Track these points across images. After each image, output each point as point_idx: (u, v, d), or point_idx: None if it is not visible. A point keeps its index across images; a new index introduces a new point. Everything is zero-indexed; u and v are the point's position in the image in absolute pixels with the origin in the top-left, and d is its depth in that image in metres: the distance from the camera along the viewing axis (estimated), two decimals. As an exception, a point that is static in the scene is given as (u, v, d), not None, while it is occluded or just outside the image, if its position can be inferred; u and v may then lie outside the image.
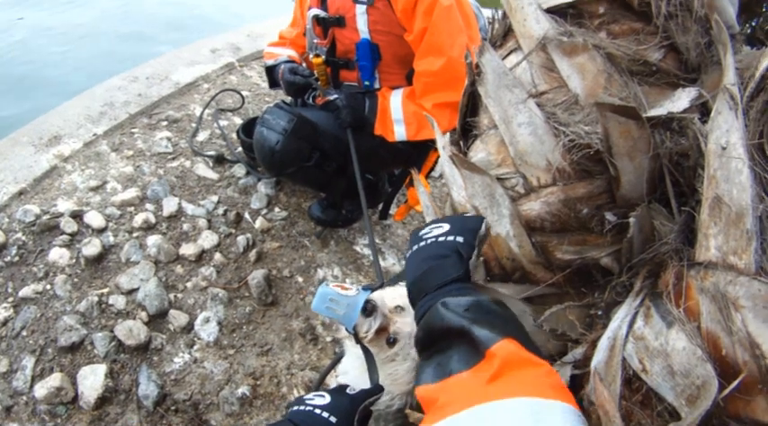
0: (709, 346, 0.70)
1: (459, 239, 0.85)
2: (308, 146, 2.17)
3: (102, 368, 1.86)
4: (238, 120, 3.13)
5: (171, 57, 3.63)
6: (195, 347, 2.04)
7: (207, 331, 2.08)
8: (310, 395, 0.93)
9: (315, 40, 2.14)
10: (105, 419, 1.79)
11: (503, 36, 1.11)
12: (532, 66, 0.99)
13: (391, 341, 1.08)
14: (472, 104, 1.15)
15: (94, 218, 2.29)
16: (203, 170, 2.70)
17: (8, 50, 5.09)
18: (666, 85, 0.94)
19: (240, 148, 2.84)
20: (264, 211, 2.59)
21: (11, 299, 2.01)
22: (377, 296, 1.10)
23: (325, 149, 2.21)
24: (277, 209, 2.62)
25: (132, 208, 2.40)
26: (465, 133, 1.19)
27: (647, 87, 0.93)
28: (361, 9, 1.96)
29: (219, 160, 2.77)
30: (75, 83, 4.04)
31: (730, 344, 0.67)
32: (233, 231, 2.44)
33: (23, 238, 2.18)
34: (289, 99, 2.53)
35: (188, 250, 2.29)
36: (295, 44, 2.42)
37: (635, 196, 0.92)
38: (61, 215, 2.27)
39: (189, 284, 2.20)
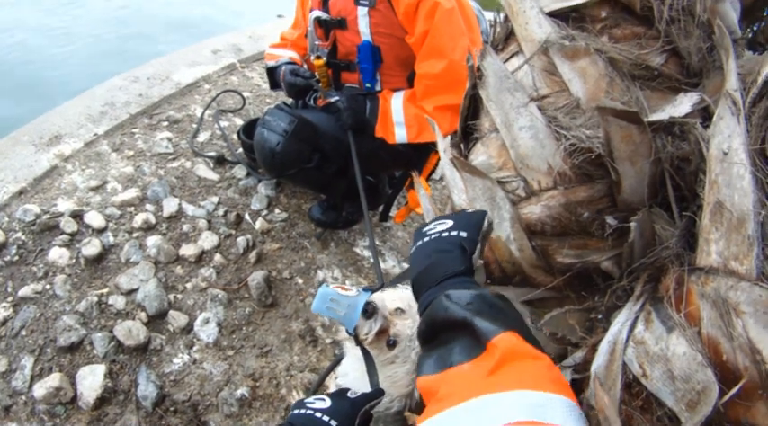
0: (710, 351, 0.70)
1: (463, 234, 0.85)
2: (308, 147, 2.17)
3: (101, 369, 1.86)
4: (239, 121, 3.13)
5: (172, 57, 3.63)
6: (194, 348, 2.03)
7: (206, 332, 2.08)
8: (311, 399, 0.93)
9: (316, 42, 2.14)
10: (104, 419, 1.79)
11: (504, 39, 1.11)
12: (534, 70, 0.99)
13: (391, 344, 1.07)
14: (473, 107, 1.15)
15: (94, 218, 2.29)
16: (204, 171, 2.70)
17: (9, 51, 5.10)
18: (668, 90, 0.94)
19: (241, 149, 2.84)
20: (265, 212, 2.59)
21: (10, 299, 2.00)
22: (377, 297, 1.09)
23: (326, 151, 2.21)
24: (277, 211, 2.62)
25: (132, 209, 2.40)
26: (466, 136, 1.19)
27: (649, 91, 0.93)
28: (362, 11, 1.96)
29: (220, 161, 2.77)
30: (76, 83, 4.04)
31: (731, 350, 0.67)
32: (233, 232, 2.44)
33: (23, 238, 2.17)
34: (290, 100, 2.53)
35: (188, 251, 2.29)
36: (296, 46, 2.42)
37: (636, 200, 0.92)
38: (61, 214, 2.26)
39: (189, 285, 2.20)
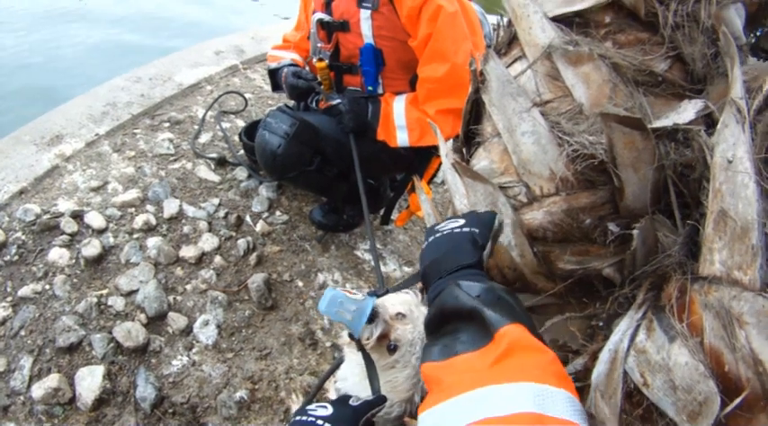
0: (712, 362, 0.69)
1: (475, 230, 0.87)
2: (309, 150, 2.16)
3: (99, 370, 1.85)
4: (241, 123, 3.12)
5: (174, 58, 3.63)
6: (194, 350, 2.03)
7: (206, 334, 2.07)
8: (313, 406, 0.93)
9: (319, 44, 2.14)
10: (102, 420, 1.78)
11: (508, 44, 1.10)
12: (537, 75, 0.99)
13: (392, 348, 1.07)
14: (476, 112, 1.15)
15: (95, 219, 2.28)
16: (205, 172, 2.70)
17: (9, 51, 5.10)
18: (672, 96, 0.93)
19: (242, 151, 2.84)
20: (265, 215, 2.58)
21: (9, 299, 2.00)
22: (378, 302, 1.09)
23: (327, 154, 2.21)
24: (278, 213, 2.61)
25: (133, 210, 2.39)
26: (468, 140, 1.18)
27: (653, 98, 0.93)
28: (365, 14, 1.96)
29: (221, 162, 2.77)
30: (77, 83, 4.05)
31: (733, 361, 0.67)
32: (233, 234, 2.44)
33: (23, 237, 2.17)
34: (291, 102, 2.53)
35: (188, 252, 2.28)
36: (299, 48, 2.42)
37: (639, 207, 0.91)
38: (61, 215, 2.26)
39: (188, 286, 2.20)
